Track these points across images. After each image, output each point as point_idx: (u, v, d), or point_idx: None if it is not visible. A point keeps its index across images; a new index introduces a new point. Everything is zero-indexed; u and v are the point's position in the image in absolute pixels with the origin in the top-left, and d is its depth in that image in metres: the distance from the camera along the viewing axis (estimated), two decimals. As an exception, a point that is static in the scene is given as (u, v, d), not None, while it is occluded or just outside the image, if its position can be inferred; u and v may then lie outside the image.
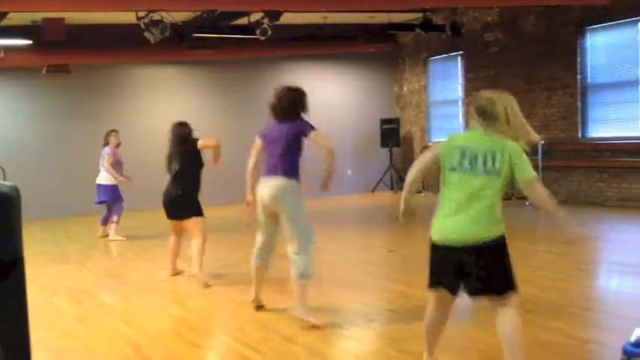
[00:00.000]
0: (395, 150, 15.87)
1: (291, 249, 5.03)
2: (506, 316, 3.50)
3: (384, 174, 15.82)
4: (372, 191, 15.78)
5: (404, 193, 3.84)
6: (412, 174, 3.78)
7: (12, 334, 1.76)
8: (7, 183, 1.78)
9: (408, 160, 16.08)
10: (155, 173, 10.84)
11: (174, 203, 6.83)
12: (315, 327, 4.87)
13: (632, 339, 3.77)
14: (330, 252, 7.98)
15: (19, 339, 1.78)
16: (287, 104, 5.16)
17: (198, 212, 6.82)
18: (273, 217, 5.15)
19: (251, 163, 5.35)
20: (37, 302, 5.92)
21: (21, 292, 1.79)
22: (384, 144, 15.68)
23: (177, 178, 6.83)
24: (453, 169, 3.56)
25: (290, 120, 5.14)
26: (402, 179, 15.73)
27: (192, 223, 6.81)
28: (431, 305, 3.76)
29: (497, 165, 3.47)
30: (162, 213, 6.95)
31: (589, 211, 10.84)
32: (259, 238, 5.34)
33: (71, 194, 12.98)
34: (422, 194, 14.69)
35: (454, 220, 3.50)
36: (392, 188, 15.67)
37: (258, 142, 5.32)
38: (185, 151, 6.85)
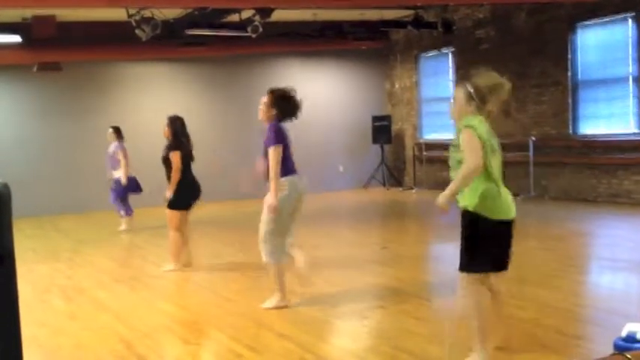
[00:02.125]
0: (386, 147, 15.91)
1: (291, 240, 5.39)
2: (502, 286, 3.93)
3: (376, 170, 15.85)
4: (365, 187, 15.81)
5: (462, 183, 3.63)
6: (478, 163, 3.58)
7: (3, 329, 1.76)
8: (-2, 180, 1.78)
9: (400, 156, 16.12)
10: (146, 170, 10.84)
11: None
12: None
13: (623, 334, 3.78)
14: (323, 248, 7.99)
15: (11, 334, 1.77)
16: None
17: None
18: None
19: (278, 170, 5.16)
20: (29, 299, 5.91)
21: (11, 286, 1.79)
22: (375, 141, 15.70)
23: (191, 169, 7.18)
24: (495, 150, 3.75)
25: None
26: (393, 176, 15.82)
27: None
28: (482, 289, 3.74)
29: (498, 144, 3.85)
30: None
31: (580, 207, 10.90)
32: (283, 236, 5.35)
33: (62, 191, 12.94)
34: (413, 191, 14.73)
35: (506, 196, 3.80)
36: (384, 184, 15.70)
37: (281, 149, 5.20)
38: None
